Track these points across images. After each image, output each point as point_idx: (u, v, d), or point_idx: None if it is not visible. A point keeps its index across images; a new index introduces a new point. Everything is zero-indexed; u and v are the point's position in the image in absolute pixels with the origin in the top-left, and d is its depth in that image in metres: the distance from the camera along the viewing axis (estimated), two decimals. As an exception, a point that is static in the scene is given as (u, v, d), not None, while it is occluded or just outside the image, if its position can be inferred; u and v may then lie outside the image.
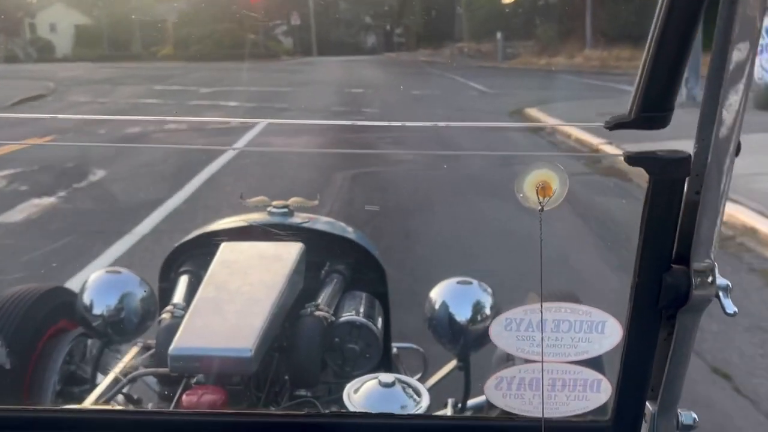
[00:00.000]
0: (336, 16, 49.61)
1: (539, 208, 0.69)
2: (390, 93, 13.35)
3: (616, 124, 0.68)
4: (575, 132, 8.11)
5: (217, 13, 40.42)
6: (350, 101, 12.22)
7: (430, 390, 1.35)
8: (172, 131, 8.09)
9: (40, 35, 45.01)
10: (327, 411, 1.34)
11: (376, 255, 1.75)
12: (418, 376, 1.72)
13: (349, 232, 1.84)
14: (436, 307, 1.58)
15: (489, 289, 1.59)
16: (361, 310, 1.52)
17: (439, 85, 13.68)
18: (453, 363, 1.67)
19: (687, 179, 0.67)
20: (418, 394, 1.12)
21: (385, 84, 15.03)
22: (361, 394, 1.09)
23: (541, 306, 0.73)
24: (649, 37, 0.63)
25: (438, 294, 1.61)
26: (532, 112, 10.02)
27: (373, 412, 1.05)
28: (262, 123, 9.29)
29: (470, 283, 1.60)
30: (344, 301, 1.57)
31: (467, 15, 28.37)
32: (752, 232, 4.49)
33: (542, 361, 0.73)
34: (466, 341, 1.57)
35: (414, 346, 1.91)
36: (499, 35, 22.57)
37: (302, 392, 1.42)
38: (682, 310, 0.71)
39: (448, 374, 1.69)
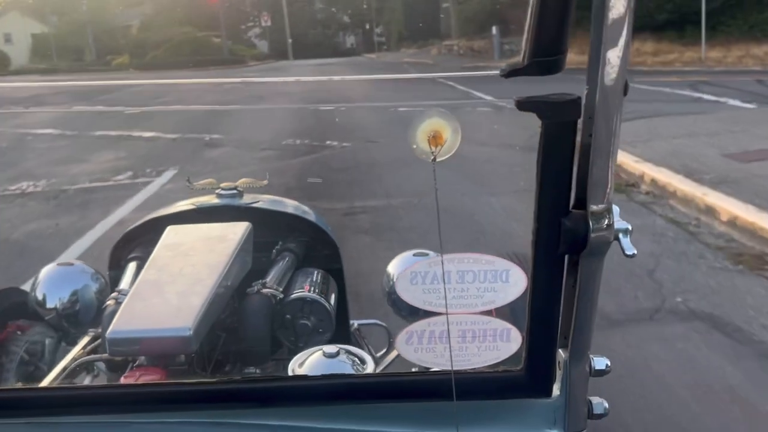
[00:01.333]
0: (311, 16, 46.66)
1: (431, 158, 0.69)
2: (369, 112, 9.75)
3: (511, 71, 0.69)
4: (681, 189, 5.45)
5: (181, 16, 36.50)
6: (313, 127, 9.58)
7: (393, 363, 1.46)
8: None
9: (-6, 47, 41.30)
10: None
11: (328, 231, 1.75)
12: (383, 351, 1.70)
13: (300, 210, 1.82)
14: (394, 280, 1.57)
15: None
16: (313, 286, 1.51)
17: (432, 94, 10.21)
18: None
19: (579, 122, 0.67)
20: (363, 362, 1.11)
21: (363, 95, 11.47)
22: (306, 365, 1.07)
23: (442, 256, 0.73)
24: None
25: (395, 267, 1.61)
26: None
27: None
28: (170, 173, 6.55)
29: (427, 254, 1.55)
30: (296, 279, 1.56)
31: (456, 9, 25.10)
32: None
33: (447, 313, 0.75)
34: (426, 314, 1.35)
35: (378, 321, 1.89)
36: (494, 30, 19.36)
37: (251, 369, 1.41)
38: (584, 254, 0.71)
39: None
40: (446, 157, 0.69)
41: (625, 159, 6.22)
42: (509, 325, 0.77)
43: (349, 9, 47.84)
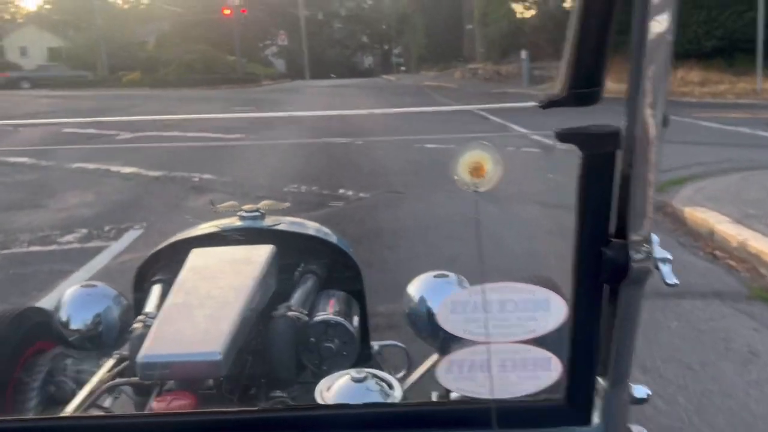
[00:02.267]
0: (329, 35, 45.96)
1: (474, 189, 0.71)
2: (391, 147, 8.17)
3: (549, 103, 0.70)
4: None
5: (197, 33, 35.62)
6: (323, 167, 8.01)
7: (413, 386, 1.51)
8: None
9: (9, 59, 41.27)
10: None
11: (350, 253, 1.76)
12: (402, 373, 1.71)
13: (322, 231, 1.83)
14: (414, 302, 1.58)
15: (466, 281, 1.56)
16: (337, 308, 1.52)
17: (463, 125, 8.63)
18: (435, 357, 1.65)
19: (619, 153, 0.69)
20: (391, 387, 1.11)
21: (383, 124, 9.89)
22: (334, 390, 1.07)
23: (483, 287, 0.75)
24: (573, 13, 0.65)
25: (415, 289, 1.60)
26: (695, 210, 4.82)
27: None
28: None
29: (447, 276, 1.58)
30: (319, 301, 1.57)
31: (481, 31, 23.84)
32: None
33: (489, 342, 0.76)
34: (446, 335, 1.28)
35: (396, 343, 1.88)
36: (523, 54, 17.75)
37: (277, 393, 1.41)
38: (624, 283, 0.72)
39: (430, 368, 1.66)
40: (488, 188, 0.70)
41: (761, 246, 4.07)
42: (549, 354, 0.78)
43: (368, 29, 46.94)
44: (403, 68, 38.89)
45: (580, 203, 0.70)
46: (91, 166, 8.23)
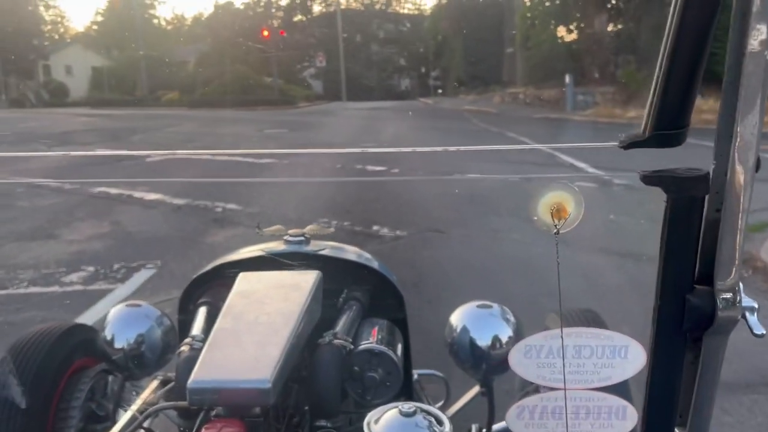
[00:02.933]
0: (367, 57, 46.05)
1: (554, 231, 0.70)
2: (431, 178, 7.72)
3: (631, 143, 0.68)
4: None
5: (236, 54, 35.82)
6: (356, 199, 7.32)
7: (452, 417, 1.51)
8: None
9: (54, 78, 42.10)
10: None
11: (393, 281, 1.75)
12: (441, 403, 1.74)
13: (366, 258, 1.82)
14: (457, 331, 1.57)
15: (510, 313, 1.58)
16: (380, 337, 1.50)
17: (511, 155, 8.02)
18: (476, 389, 1.65)
19: (706, 197, 0.67)
20: (440, 422, 1.08)
21: (422, 161, 9.28)
22: (382, 424, 1.05)
23: (561, 331, 0.73)
24: (661, 51, 0.64)
25: (458, 318, 1.59)
26: None
27: None
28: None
29: (491, 306, 1.58)
30: (363, 329, 1.55)
31: (523, 54, 22.95)
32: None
33: (565, 389, 0.74)
34: (488, 366, 1.54)
35: (436, 372, 1.89)
36: (567, 79, 17.09)
37: (322, 423, 1.40)
38: (708, 332, 0.70)
39: (471, 401, 1.67)
40: (569, 230, 0.70)
41: None
42: (625, 402, 0.76)
43: (406, 51, 46.81)
44: (440, 91, 38.55)
45: (664, 247, 0.68)
46: (113, 191, 7.84)
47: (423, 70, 44.46)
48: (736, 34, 0.59)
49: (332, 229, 1.86)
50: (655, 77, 0.63)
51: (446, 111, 24.28)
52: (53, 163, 9.81)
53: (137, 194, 7.65)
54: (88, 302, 4.13)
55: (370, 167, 8.93)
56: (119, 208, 7.09)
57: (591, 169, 8.11)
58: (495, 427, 1.56)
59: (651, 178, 0.64)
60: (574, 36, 22.26)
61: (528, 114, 19.04)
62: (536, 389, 0.77)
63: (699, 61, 0.61)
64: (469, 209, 6.43)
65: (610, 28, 18.84)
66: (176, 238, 5.89)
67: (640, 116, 0.69)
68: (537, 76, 21.66)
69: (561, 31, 23.06)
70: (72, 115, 23.52)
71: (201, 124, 18.82)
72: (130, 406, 1.57)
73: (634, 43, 17.30)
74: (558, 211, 0.67)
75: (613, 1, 20.01)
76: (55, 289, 4.47)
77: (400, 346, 1.54)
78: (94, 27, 46.25)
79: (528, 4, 25.20)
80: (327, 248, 1.74)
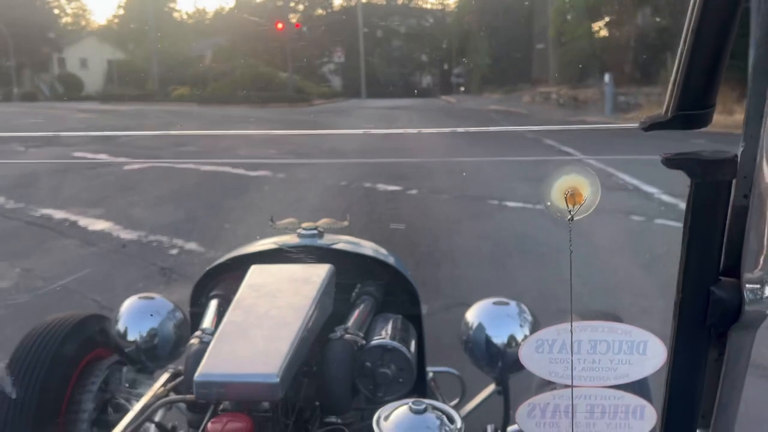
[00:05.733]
0: (388, 53, 44.39)
1: (568, 217, 0.65)
2: (458, 204, 5.90)
3: (652, 125, 0.64)
4: None
5: (253, 48, 34.18)
6: (363, 229, 4.83)
7: (467, 416, 1.48)
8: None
9: (70, 71, 40.73)
10: None
11: (408, 276, 1.72)
12: (456, 401, 1.73)
13: (380, 252, 1.79)
14: (473, 329, 1.57)
15: (527, 310, 1.56)
16: (394, 333, 1.48)
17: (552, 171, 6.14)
18: (491, 387, 1.65)
19: (733, 182, 0.63)
20: (452, 420, 1.07)
21: (442, 166, 7.53)
22: (392, 421, 1.04)
23: (571, 324, 0.69)
24: (686, 26, 0.59)
25: (474, 315, 1.58)
26: None
27: None
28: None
29: (507, 303, 1.57)
30: (376, 324, 1.54)
31: (557, 51, 21.15)
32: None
33: (572, 386, 0.70)
34: (505, 364, 1.53)
35: (451, 370, 1.88)
36: (606, 78, 15.32)
37: (332, 419, 1.39)
38: (734, 327, 0.65)
39: (486, 399, 1.66)
40: (584, 216, 0.65)
41: None
42: (644, 402, 0.73)
43: (428, 47, 45.16)
44: (462, 89, 36.85)
45: (687, 236, 0.63)
46: (59, 215, 6.13)
47: (445, 66, 42.82)
48: (765, 6, 0.55)
49: (346, 223, 1.79)
50: (678, 52, 0.58)
51: (472, 111, 22.68)
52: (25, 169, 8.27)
53: (83, 221, 5.96)
54: None
55: (381, 186, 7.12)
56: (50, 244, 5.39)
57: (665, 197, 6.25)
58: (511, 428, 1.51)
59: (674, 161, 0.60)
60: (614, 31, 20.40)
61: (563, 116, 17.29)
62: (554, 388, 0.72)
63: (727, 35, 0.56)
64: (506, 248, 4.61)
65: (658, 20, 17.10)
66: (120, 287, 4.13)
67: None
68: (572, 75, 19.92)
69: (599, 25, 21.29)
70: (73, 110, 22.26)
71: (203, 125, 17.32)
72: (141, 398, 1.58)
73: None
74: (573, 196, 0.62)
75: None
76: None
77: (413, 342, 1.51)
78: (116, 20, 45.28)
79: (562, -4, 23.45)
80: (340, 242, 1.72)
